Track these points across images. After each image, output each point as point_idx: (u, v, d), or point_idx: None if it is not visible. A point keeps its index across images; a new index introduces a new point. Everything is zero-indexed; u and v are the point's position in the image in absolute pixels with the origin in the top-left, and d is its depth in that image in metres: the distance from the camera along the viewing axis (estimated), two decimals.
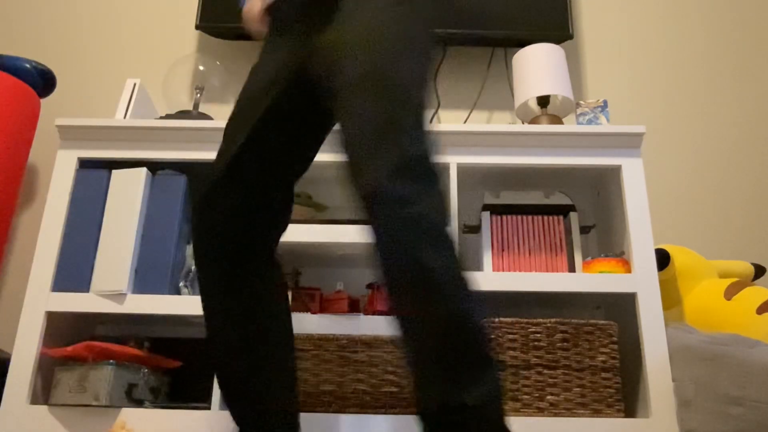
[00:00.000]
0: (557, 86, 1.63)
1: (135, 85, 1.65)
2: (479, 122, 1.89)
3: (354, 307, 1.43)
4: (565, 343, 1.36)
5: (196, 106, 1.70)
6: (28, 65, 1.68)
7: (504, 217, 1.53)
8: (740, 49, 2.02)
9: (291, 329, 0.95)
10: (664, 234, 1.72)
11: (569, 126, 1.55)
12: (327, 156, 1.48)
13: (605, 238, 1.61)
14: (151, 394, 1.36)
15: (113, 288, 1.36)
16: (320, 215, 1.63)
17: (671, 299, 1.50)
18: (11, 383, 1.30)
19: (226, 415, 1.30)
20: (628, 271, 1.41)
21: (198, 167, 1.48)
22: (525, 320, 1.37)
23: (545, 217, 1.53)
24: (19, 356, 1.32)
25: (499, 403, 0.67)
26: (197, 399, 1.41)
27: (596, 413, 1.31)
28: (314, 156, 0.95)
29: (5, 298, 1.76)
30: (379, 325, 1.35)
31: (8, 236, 1.72)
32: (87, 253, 1.40)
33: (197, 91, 1.73)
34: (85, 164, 1.48)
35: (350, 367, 1.32)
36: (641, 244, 1.41)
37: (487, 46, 1.92)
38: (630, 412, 1.37)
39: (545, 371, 1.34)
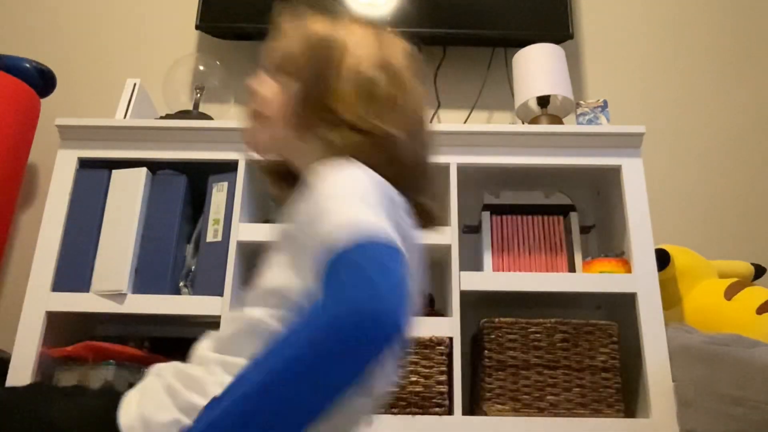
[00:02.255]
0: (557, 86, 1.63)
1: (135, 85, 1.65)
2: (479, 122, 1.89)
3: None
4: (565, 343, 1.36)
5: (196, 106, 1.70)
6: (28, 65, 1.67)
7: (504, 217, 1.53)
8: (741, 49, 2.01)
9: None
10: (664, 234, 1.71)
11: (569, 126, 1.55)
12: None
13: (605, 238, 1.61)
14: None
15: (113, 288, 1.36)
16: None
17: (671, 299, 1.50)
18: (11, 383, 1.30)
19: None
20: (628, 271, 1.41)
21: (198, 167, 1.48)
22: (525, 320, 1.37)
23: (545, 217, 1.53)
24: (19, 356, 1.32)
25: None
26: None
27: (596, 413, 1.31)
28: None
29: (5, 298, 1.76)
30: None
31: (8, 236, 1.72)
32: (87, 253, 1.40)
33: (197, 91, 1.73)
34: (85, 164, 1.48)
35: None
36: (641, 244, 1.41)
37: (487, 46, 1.92)
38: (630, 412, 1.37)
39: (545, 371, 1.34)
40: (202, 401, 0.59)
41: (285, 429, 0.52)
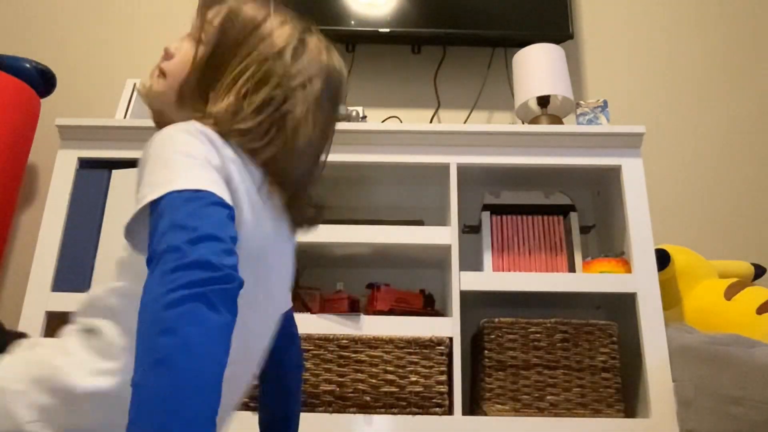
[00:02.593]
0: (557, 86, 1.63)
1: (135, 85, 1.65)
2: (479, 122, 1.89)
3: (354, 307, 1.43)
4: (565, 343, 1.36)
5: None
6: (28, 65, 1.67)
7: (504, 217, 1.53)
8: (740, 50, 2.01)
9: None
10: (664, 234, 1.71)
11: (569, 126, 1.55)
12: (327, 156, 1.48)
13: (605, 238, 1.61)
14: None
15: None
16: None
17: (671, 299, 1.50)
18: None
19: None
20: (628, 271, 1.41)
21: None
22: (525, 320, 1.37)
23: (545, 217, 1.53)
24: None
25: None
26: None
27: (596, 413, 1.31)
28: None
29: (5, 298, 1.76)
30: (379, 325, 1.35)
31: (8, 236, 1.72)
32: (87, 253, 1.39)
33: None
34: (85, 164, 1.48)
35: (350, 367, 1.32)
36: (641, 244, 1.41)
37: (487, 46, 1.92)
38: (630, 412, 1.37)
39: (545, 371, 1.34)
40: (47, 372, 0.64)
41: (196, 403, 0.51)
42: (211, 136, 0.69)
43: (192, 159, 0.65)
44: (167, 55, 0.81)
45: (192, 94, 0.76)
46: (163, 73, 0.81)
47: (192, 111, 0.74)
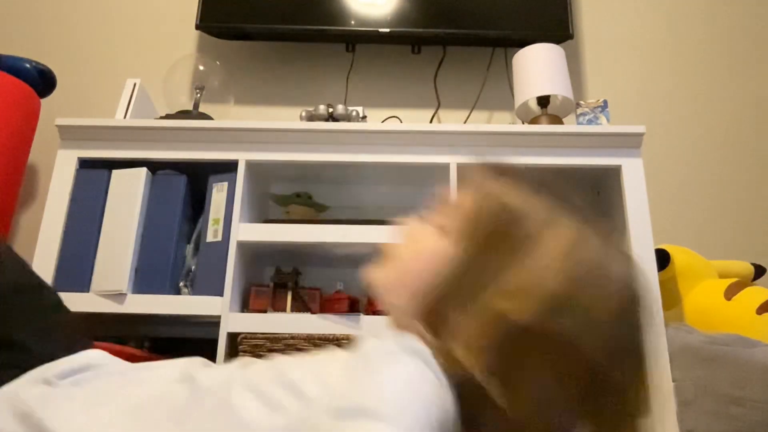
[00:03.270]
0: (557, 86, 1.63)
1: (135, 85, 1.64)
2: (479, 122, 1.89)
3: (354, 307, 1.43)
4: None
5: (196, 106, 1.70)
6: (28, 65, 1.67)
7: None
8: (740, 49, 2.01)
9: None
10: (664, 234, 1.71)
11: (569, 126, 1.55)
12: (327, 156, 1.48)
13: None
14: None
15: (113, 288, 1.36)
16: (320, 215, 1.63)
17: (671, 299, 1.50)
18: None
19: None
20: None
21: (198, 167, 1.48)
22: None
23: None
24: None
25: None
26: None
27: None
28: None
29: None
30: (379, 325, 1.35)
31: (8, 236, 1.72)
32: (87, 253, 1.39)
33: (197, 91, 1.73)
34: (85, 164, 1.48)
35: None
36: (641, 244, 1.41)
37: (487, 46, 1.92)
38: None
39: None
40: None
41: None
42: (429, 380, 0.52)
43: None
44: (407, 242, 0.64)
45: (431, 309, 0.57)
46: (396, 262, 0.64)
47: (426, 329, 0.56)
